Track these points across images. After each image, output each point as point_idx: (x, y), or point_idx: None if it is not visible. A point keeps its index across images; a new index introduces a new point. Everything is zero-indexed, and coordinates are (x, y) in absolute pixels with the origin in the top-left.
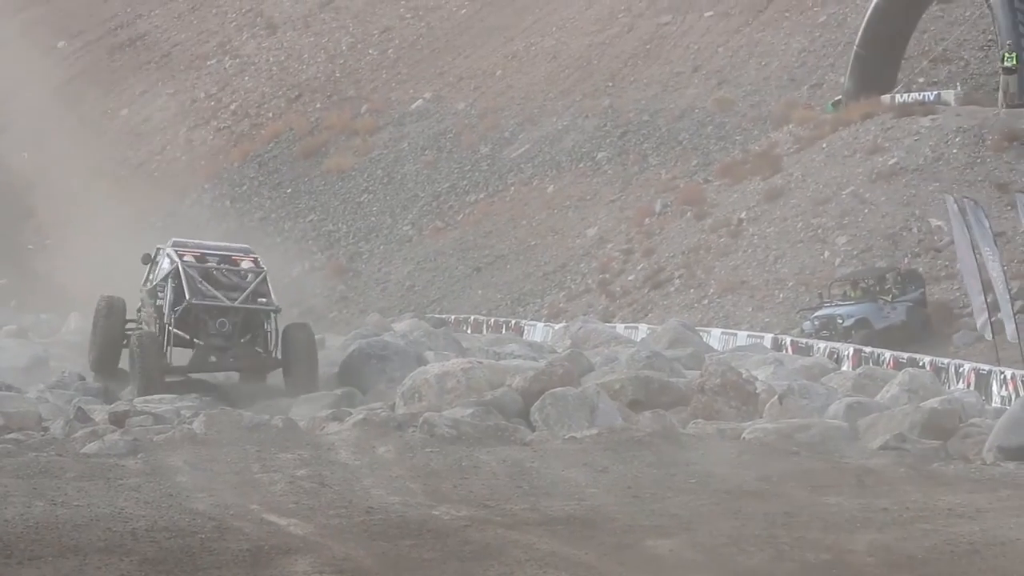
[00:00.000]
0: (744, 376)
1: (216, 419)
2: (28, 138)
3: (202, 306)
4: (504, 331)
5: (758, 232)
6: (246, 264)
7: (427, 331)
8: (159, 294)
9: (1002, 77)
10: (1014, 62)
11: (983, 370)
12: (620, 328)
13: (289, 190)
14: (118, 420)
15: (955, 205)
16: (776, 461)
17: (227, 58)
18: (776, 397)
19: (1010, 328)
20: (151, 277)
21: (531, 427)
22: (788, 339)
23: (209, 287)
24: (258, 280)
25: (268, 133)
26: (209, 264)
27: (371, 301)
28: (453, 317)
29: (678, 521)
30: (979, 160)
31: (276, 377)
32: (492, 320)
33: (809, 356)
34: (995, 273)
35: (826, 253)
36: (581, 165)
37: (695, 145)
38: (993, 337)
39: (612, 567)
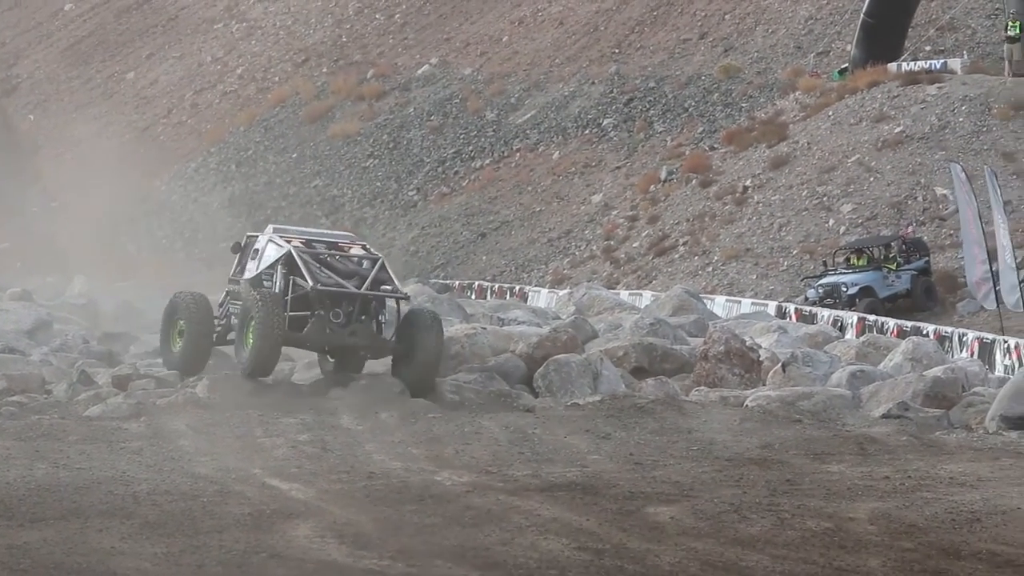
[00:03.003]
0: (747, 344)
1: (219, 383)
2: (35, 101)
3: (320, 294)
4: (508, 297)
5: (763, 200)
6: (356, 250)
7: (431, 296)
8: (264, 283)
9: (1006, 46)
10: (1018, 31)
11: (987, 339)
12: (624, 295)
13: (294, 155)
14: (121, 383)
15: (962, 173)
16: (778, 429)
17: (234, 22)
18: (779, 365)
19: (1013, 298)
20: (250, 266)
21: (534, 393)
22: (792, 307)
23: (328, 273)
24: (377, 267)
25: (274, 97)
26: (319, 250)
27: None
28: (457, 283)
29: (680, 488)
30: (985, 129)
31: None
32: (496, 286)
33: (813, 324)
34: (1003, 241)
35: (831, 221)
36: (587, 132)
37: (701, 112)
38: (998, 306)
39: (613, 533)
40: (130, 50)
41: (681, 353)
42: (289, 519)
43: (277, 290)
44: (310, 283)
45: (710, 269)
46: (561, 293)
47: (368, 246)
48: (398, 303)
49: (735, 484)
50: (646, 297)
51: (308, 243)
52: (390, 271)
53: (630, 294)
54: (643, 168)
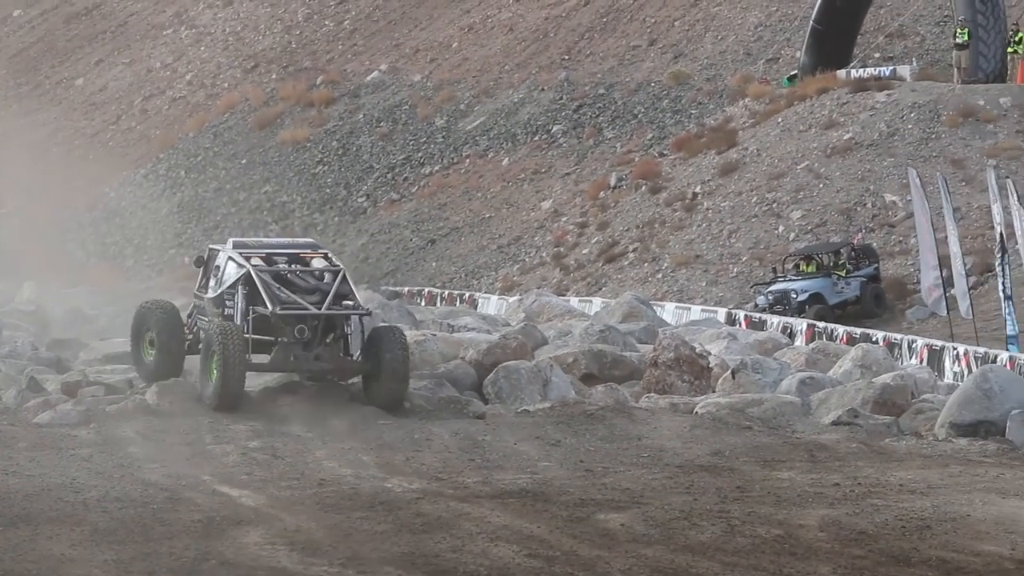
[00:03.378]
0: (697, 350)
1: (168, 389)
2: None
3: (280, 318)
4: (458, 304)
5: (713, 206)
6: (317, 262)
7: (381, 303)
8: (226, 302)
9: (955, 52)
10: (966, 38)
11: (936, 346)
12: (574, 301)
13: (244, 161)
14: (70, 390)
15: (917, 178)
16: (728, 436)
17: (183, 28)
18: (729, 372)
19: (964, 304)
20: (212, 284)
21: (484, 400)
22: (742, 314)
23: (288, 292)
24: (339, 280)
25: (223, 104)
26: (280, 266)
27: None
28: (407, 289)
29: (630, 495)
30: (934, 135)
31: None
32: (446, 293)
33: (762, 331)
34: (954, 248)
35: (780, 228)
36: (536, 138)
37: (651, 119)
38: (948, 313)
39: (564, 541)
40: (79, 56)
41: (631, 360)
42: (239, 526)
43: (238, 311)
44: (269, 307)
45: (660, 276)
46: (511, 300)
47: (330, 255)
48: (361, 319)
49: (685, 491)
50: (596, 304)
51: (269, 258)
52: (351, 283)
53: (580, 301)
54: (593, 175)
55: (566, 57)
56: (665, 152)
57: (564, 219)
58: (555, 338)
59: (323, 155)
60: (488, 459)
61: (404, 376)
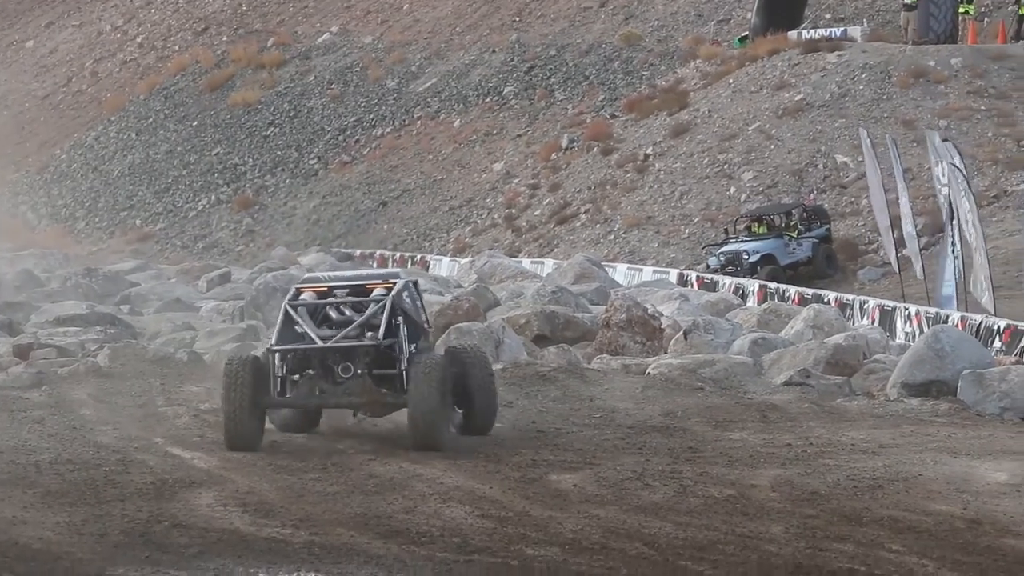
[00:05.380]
0: (649, 311)
1: (120, 352)
2: None
3: (279, 353)
4: (410, 265)
5: (664, 167)
6: (378, 292)
7: (333, 265)
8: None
9: (903, 13)
10: None
11: (887, 306)
12: (526, 263)
13: (195, 123)
14: (22, 353)
15: (868, 139)
16: (680, 396)
17: None
18: (681, 332)
19: (916, 265)
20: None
21: None
22: (694, 275)
23: (308, 328)
24: (370, 311)
25: (174, 66)
26: (328, 299)
27: (277, 235)
28: (359, 251)
29: (582, 456)
30: (885, 96)
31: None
32: (398, 255)
33: (714, 292)
34: (904, 209)
35: (732, 189)
36: (488, 100)
37: (602, 80)
38: (899, 273)
39: (516, 501)
40: (29, 18)
41: (583, 321)
42: (191, 488)
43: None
44: (272, 342)
45: (612, 237)
46: (463, 261)
47: (399, 284)
48: (416, 346)
49: (637, 451)
50: (548, 265)
51: (329, 291)
52: (392, 311)
53: (532, 262)
54: (544, 136)
55: (517, 19)
56: (616, 114)
57: (516, 181)
58: (507, 299)
59: (274, 117)
60: None
61: (430, 411)
